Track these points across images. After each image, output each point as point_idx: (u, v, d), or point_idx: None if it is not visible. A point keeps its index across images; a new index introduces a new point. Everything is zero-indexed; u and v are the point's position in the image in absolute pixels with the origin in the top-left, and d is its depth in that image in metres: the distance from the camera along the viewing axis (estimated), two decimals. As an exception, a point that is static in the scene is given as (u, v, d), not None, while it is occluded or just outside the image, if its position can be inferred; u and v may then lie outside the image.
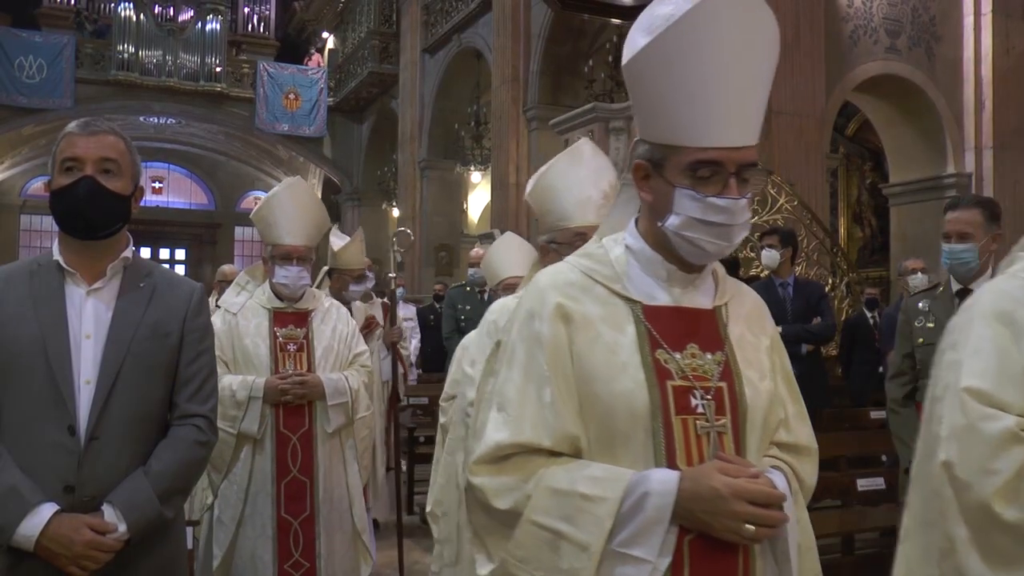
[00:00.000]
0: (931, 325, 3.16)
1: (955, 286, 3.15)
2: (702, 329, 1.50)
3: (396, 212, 19.51)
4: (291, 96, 22.33)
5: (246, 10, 27.16)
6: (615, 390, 1.42)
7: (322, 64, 23.99)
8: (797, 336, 5.39)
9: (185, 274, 26.68)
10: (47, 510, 1.88)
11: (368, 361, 3.63)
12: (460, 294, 7.52)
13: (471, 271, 7.70)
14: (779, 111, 9.71)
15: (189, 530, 2.31)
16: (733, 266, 8.70)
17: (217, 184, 28.55)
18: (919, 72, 11.15)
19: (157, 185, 27.57)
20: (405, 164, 17.88)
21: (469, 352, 2.81)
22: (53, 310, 1.99)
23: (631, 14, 11.21)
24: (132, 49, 21.31)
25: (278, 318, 3.42)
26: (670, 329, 1.48)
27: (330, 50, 24.27)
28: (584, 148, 2.49)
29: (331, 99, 22.47)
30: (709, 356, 1.48)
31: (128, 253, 2.11)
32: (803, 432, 1.60)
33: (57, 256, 2.05)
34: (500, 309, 2.72)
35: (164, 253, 28.07)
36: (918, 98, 11.25)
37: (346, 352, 3.53)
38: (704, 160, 1.41)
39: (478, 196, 18.50)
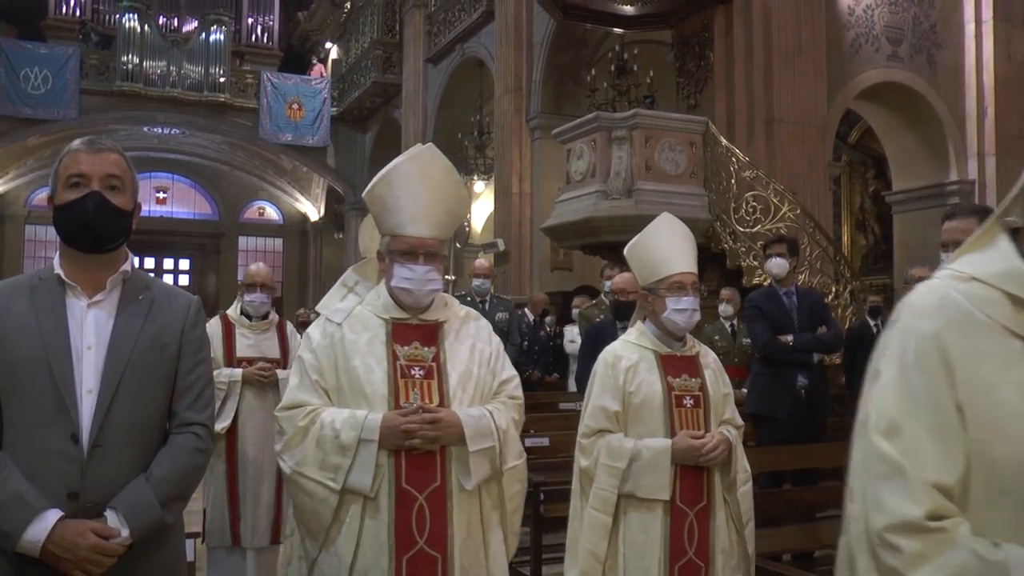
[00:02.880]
0: None
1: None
2: None
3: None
4: (295, 106, 22.44)
5: (250, 20, 27.31)
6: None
7: (325, 74, 24.11)
8: (809, 346, 5.38)
9: (189, 283, 26.99)
10: (52, 516, 1.92)
11: (519, 391, 2.70)
12: (461, 303, 7.53)
13: (476, 281, 7.72)
14: (781, 120, 9.75)
15: (189, 542, 2.35)
16: (735, 275, 8.73)
17: (221, 194, 28.67)
18: (921, 79, 11.18)
19: (161, 195, 27.70)
20: (408, 173, 17.91)
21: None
22: (55, 322, 2.04)
23: (632, 23, 11.29)
24: (136, 60, 21.45)
25: (398, 332, 2.55)
26: None
27: (333, 60, 24.39)
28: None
29: (334, 109, 22.58)
30: None
31: (127, 267, 2.16)
32: None
33: (58, 270, 2.10)
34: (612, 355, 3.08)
35: (168, 263, 28.18)
36: (920, 105, 11.29)
37: (489, 379, 2.62)
38: None
39: (481, 205, 18.56)
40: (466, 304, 7.13)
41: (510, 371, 2.69)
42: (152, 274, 25.01)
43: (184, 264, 28.61)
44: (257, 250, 29.30)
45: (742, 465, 3.04)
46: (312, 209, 27.70)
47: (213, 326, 4.69)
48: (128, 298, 2.13)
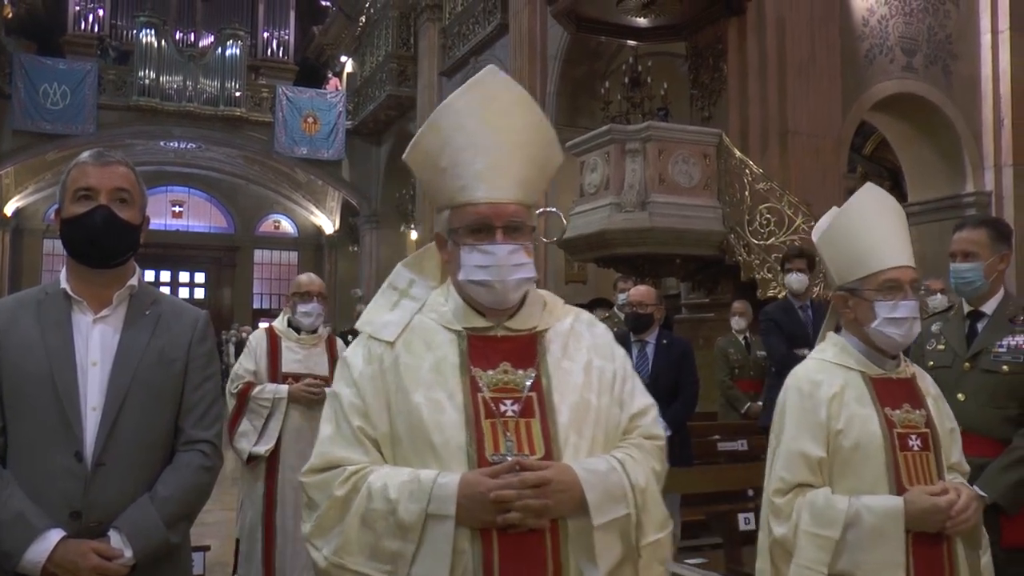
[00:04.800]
0: (941, 347, 3.12)
1: (966, 308, 3.12)
2: None
3: (414, 234, 19.59)
4: (310, 120, 22.54)
5: (265, 35, 27.51)
6: None
7: (340, 88, 24.22)
8: None
9: (204, 297, 27.06)
10: (54, 536, 1.89)
11: (659, 427, 1.87)
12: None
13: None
14: (795, 131, 9.70)
15: (198, 555, 2.30)
16: (749, 288, 8.67)
17: (236, 208, 28.81)
18: (936, 90, 11.11)
19: (177, 209, 27.87)
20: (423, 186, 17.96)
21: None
22: (60, 338, 2.01)
23: (646, 36, 11.28)
24: (153, 75, 21.63)
25: (478, 350, 1.76)
26: None
27: (348, 74, 24.49)
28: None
29: (349, 122, 22.67)
30: None
31: (134, 281, 2.13)
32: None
33: (64, 284, 2.07)
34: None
35: (183, 276, 28.32)
36: (936, 117, 11.21)
37: (616, 412, 1.81)
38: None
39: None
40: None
41: (644, 398, 1.85)
42: (167, 287, 25.07)
43: (199, 277, 28.73)
44: (272, 263, 29.42)
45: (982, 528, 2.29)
46: (327, 222, 27.77)
47: (258, 338, 4.45)
48: (135, 313, 2.10)
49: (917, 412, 2.22)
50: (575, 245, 10.04)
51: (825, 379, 2.22)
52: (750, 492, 4.67)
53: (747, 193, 8.97)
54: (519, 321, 1.80)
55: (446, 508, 1.60)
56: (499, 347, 1.76)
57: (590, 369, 1.80)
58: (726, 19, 10.18)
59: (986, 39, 11.32)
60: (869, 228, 2.30)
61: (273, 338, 4.46)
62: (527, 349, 1.78)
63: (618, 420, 1.80)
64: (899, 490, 2.11)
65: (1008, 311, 3.03)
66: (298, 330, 4.48)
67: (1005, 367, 2.94)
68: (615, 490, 1.67)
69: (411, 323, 1.81)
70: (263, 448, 4.18)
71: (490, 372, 1.73)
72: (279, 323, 4.55)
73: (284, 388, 4.26)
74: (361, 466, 1.69)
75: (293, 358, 4.39)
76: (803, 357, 2.46)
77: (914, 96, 11.01)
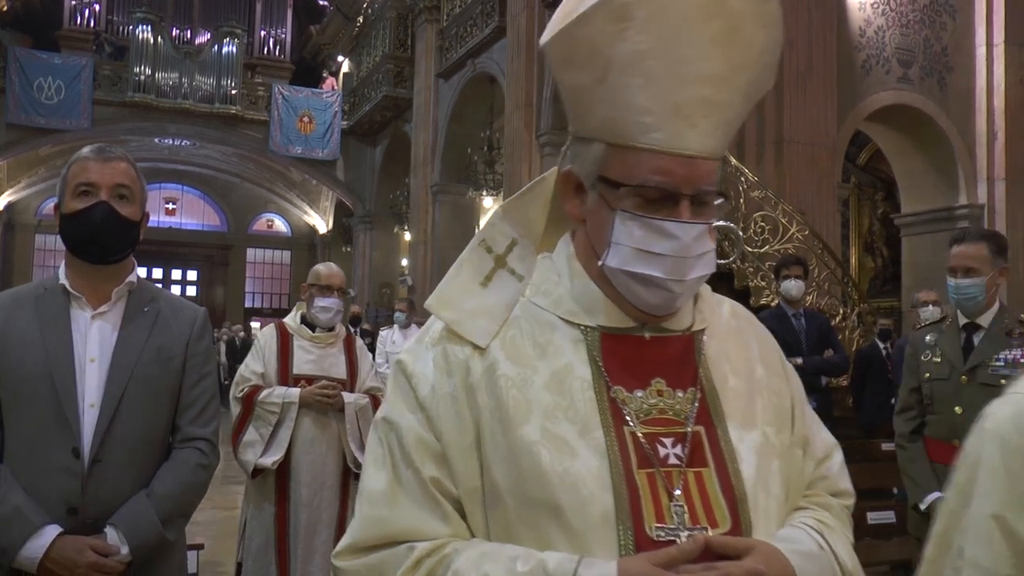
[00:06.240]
0: (937, 360, 3.14)
1: (962, 320, 3.13)
2: None
3: (408, 236, 19.58)
4: (305, 119, 22.50)
5: (262, 33, 27.48)
6: None
7: (336, 87, 24.20)
8: (819, 369, 5.48)
9: (197, 294, 27.00)
10: (50, 532, 1.89)
11: (847, 478, 1.38)
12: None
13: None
14: (791, 140, 9.73)
15: (191, 554, 2.30)
16: (743, 295, 8.69)
17: (230, 206, 28.75)
18: (931, 102, 11.15)
19: (170, 206, 27.79)
20: (418, 188, 17.97)
21: None
22: (59, 334, 2.01)
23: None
24: (149, 71, 21.56)
25: (615, 357, 1.16)
26: None
27: (345, 74, 24.48)
28: None
29: (345, 122, 22.64)
30: None
31: (133, 277, 2.13)
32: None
33: (63, 280, 2.07)
34: None
35: (176, 274, 28.27)
36: (930, 128, 11.25)
37: (798, 453, 1.27)
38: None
39: (490, 221, 18.53)
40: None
41: (824, 434, 1.33)
42: (160, 284, 25.21)
43: (192, 275, 28.68)
44: (265, 262, 29.38)
45: None
46: (320, 222, 27.73)
47: (266, 337, 3.93)
48: (133, 310, 2.10)
49: None
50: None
51: None
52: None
53: (742, 200, 8.99)
54: (674, 318, 1.18)
55: None
56: (647, 355, 1.16)
57: (759, 388, 1.21)
58: (724, 27, 10.19)
59: (981, 51, 11.37)
60: None
61: (284, 336, 3.91)
62: (684, 359, 1.17)
63: (801, 467, 1.24)
64: None
65: (1005, 324, 3.05)
66: (312, 327, 3.94)
67: (1003, 380, 2.96)
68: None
69: (516, 321, 1.17)
70: (270, 460, 3.67)
71: (638, 394, 1.13)
72: (291, 319, 4.00)
73: (295, 392, 3.73)
74: (439, 543, 1.09)
75: (306, 358, 3.87)
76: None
77: (909, 107, 11.06)
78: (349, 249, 24.59)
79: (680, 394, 1.14)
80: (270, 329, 3.98)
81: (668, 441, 1.11)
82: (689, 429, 1.12)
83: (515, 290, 1.20)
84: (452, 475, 1.11)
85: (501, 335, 1.16)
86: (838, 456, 1.32)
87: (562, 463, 1.06)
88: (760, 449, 1.15)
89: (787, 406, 1.24)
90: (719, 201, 1.13)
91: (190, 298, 24.37)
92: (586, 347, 1.14)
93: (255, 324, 24.98)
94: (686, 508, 1.07)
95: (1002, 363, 2.97)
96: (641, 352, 1.16)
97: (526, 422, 1.08)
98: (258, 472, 3.70)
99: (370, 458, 1.17)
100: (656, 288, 1.11)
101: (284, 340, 3.89)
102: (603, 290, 1.16)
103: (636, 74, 1.05)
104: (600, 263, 1.14)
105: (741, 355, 1.22)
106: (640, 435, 1.09)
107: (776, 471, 1.16)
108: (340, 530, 3.69)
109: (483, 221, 18.69)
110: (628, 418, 1.10)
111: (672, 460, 1.10)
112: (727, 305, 1.30)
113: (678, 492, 1.08)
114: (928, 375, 3.05)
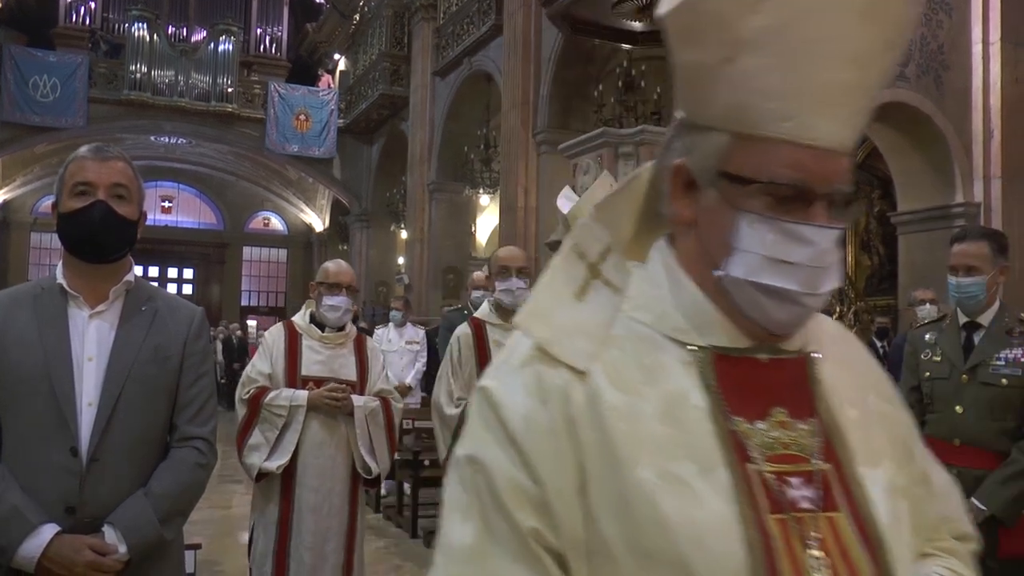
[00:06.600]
0: (937, 359, 3.13)
1: (962, 318, 3.13)
2: None
3: (404, 234, 19.58)
4: (302, 117, 22.48)
5: (258, 31, 27.46)
6: None
7: (333, 85, 24.19)
8: None
9: (193, 293, 26.98)
10: (48, 531, 1.89)
11: (969, 520, 1.18)
12: (459, 317, 7.49)
13: (474, 294, 7.69)
14: (788, 138, 9.73)
15: (188, 554, 2.30)
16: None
17: (226, 204, 28.72)
18: (927, 101, 11.16)
19: (166, 204, 27.75)
20: (414, 186, 17.97)
21: None
22: (57, 333, 2.01)
23: (641, 39, 11.29)
24: (144, 69, 21.54)
25: (732, 382, 0.98)
26: None
27: (341, 72, 24.45)
28: None
29: (341, 120, 22.62)
30: None
31: (131, 277, 2.13)
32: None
33: (60, 279, 2.07)
34: None
35: (172, 272, 28.23)
36: (926, 127, 11.26)
37: (921, 492, 1.10)
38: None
39: (486, 219, 18.55)
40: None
41: (937, 469, 1.16)
42: (156, 283, 25.11)
43: (188, 273, 28.65)
44: (262, 260, 29.36)
45: None
46: (317, 220, 27.72)
47: (274, 336, 3.80)
48: (131, 309, 2.10)
49: None
50: (566, 248, 10.04)
51: None
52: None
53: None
54: (790, 337, 1.02)
55: None
56: (764, 380, 1.01)
57: (878, 421, 1.06)
58: (721, 25, 10.19)
59: (977, 50, 11.38)
60: None
61: (292, 335, 3.78)
62: (799, 385, 1.02)
63: (925, 508, 1.08)
64: None
65: (1005, 323, 3.05)
66: (321, 327, 3.81)
67: (1004, 380, 2.95)
68: None
69: (612, 333, 1.01)
70: (275, 464, 3.56)
71: (760, 425, 0.97)
72: (299, 318, 3.88)
73: (303, 394, 3.62)
74: None
75: (314, 359, 3.74)
76: None
77: (906, 105, 11.06)
78: (345, 247, 24.57)
79: (802, 426, 0.99)
80: (278, 328, 3.87)
81: (796, 481, 0.95)
82: (815, 468, 0.97)
83: (613, 305, 1.02)
84: (554, 525, 0.92)
85: (602, 357, 0.98)
86: (957, 494, 1.17)
87: (685, 511, 0.89)
88: (889, 489, 1.00)
89: (904, 439, 1.09)
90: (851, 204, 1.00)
91: (186, 297, 24.29)
92: (698, 370, 0.97)
93: (251, 322, 24.98)
94: (827, 561, 0.92)
95: (1003, 362, 2.97)
96: (758, 376, 1.00)
97: (639, 462, 0.91)
98: (262, 476, 3.61)
99: (451, 505, 0.97)
100: (788, 303, 0.95)
101: (292, 340, 3.77)
102: (716, 304, 1.00)
103: (771, 53, 0.91)
104: (719, 273, 0.97)
105: (853, 381, 1.06)
106: (767, 474, 0.94)
107: (905, 513, 1.01)
108: (350, 538, 3.63)
109: (479, 219, 18.77)
110: (752, 454, 0.94)
111: (804, 504, 0.94)
112: (828, 322, 1.14)
113: (813, 542, 0.92)
114: (928, 374, 3.05)
